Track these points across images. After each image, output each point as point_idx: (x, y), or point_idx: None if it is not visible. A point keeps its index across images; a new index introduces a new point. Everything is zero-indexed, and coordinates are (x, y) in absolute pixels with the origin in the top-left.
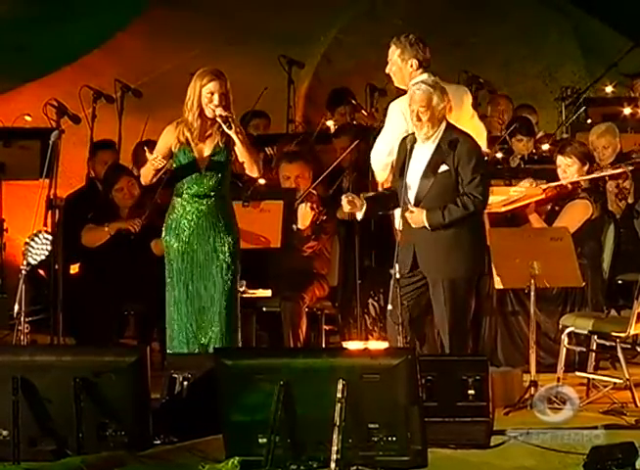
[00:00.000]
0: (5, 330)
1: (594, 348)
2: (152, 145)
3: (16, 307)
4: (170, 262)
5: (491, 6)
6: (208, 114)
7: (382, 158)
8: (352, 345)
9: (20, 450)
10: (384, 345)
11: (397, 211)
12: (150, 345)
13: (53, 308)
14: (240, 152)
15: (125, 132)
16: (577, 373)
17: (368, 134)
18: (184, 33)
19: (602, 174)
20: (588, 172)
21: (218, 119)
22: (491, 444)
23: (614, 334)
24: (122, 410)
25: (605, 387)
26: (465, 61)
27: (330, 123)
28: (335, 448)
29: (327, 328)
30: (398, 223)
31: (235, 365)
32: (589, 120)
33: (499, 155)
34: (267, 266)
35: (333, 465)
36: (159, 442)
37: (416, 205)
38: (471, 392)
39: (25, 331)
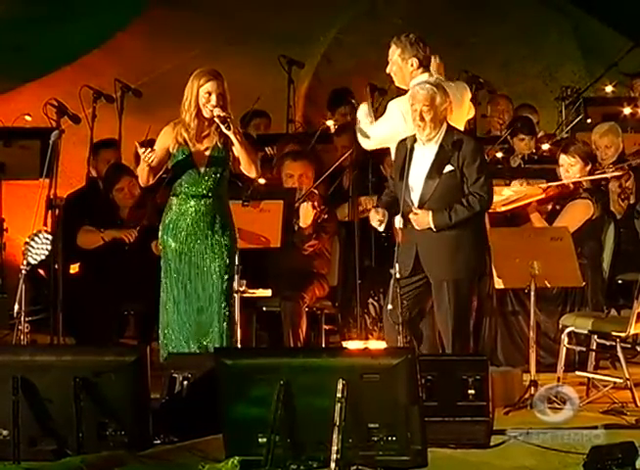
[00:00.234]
0: (5, 330)
1: (594, 347)
2: (153, 145)
3: (16, 307)
4: (168, 262)
5: (491, 6)
6: (206, 114)
7: (368, 142)
8: (352, 344)
9: (20, 450)
10: (383, 344)
11: None
12: (150, 345)
13: (53, 308)
14: (238, 152)
15: (125, 132)
16: (577, 373)
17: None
18: (184, 33)
19: (596, 177)
20: (590, 172)
21: (216, 120)
22: (491, 443)
23: (614, 334)
24: (122, 410)
25: (605, 386)
26: (465, 61)
27: (330, 123)
28: (335, 448)
29: (327, 328)
30: (398, 223)
31: (235, 365)
32: (589, 120)
33: (499, 155)
34: (267, 266)
35: (333, 465)
36: (158, 441)
37: (420, 206)
38: (471, 391)
39: (25, 331)
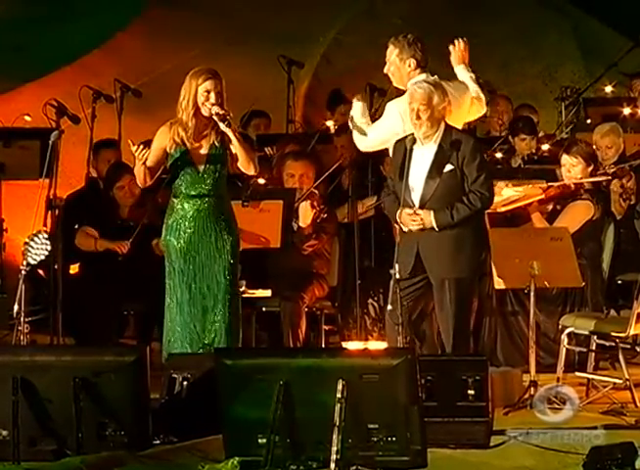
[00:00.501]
0: (5, 330)
1: (594, 348)
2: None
3: (15, 307)
4: (172, 263)
5: (491, 6)
6: (205, 112)
7: (362, 144)
8: (352, 345)
9: (19, 450)
10: (383, 345)
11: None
12: (150, 345)
13: (52, 308)
14: (236, 149)
15: (125, 132)
16: (577, 373)
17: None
18: (184, 33)
19: (596, 179)
20: (592, 173)
21: (215, 117)
22: (491, 444)
23: (613, 334)
24: (122, 410)
25: (604, 387)
26: None
27: (330, 123)
28: (334, 449)
29: (326, 328)
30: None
31: (235, 365)
32: (589, 121)
33: (499, 155)
34: (267, 266)
35: (332, 465)
36: (158, 442)
37: (421, 206)
38: (470, 392)
39: (25, 331)
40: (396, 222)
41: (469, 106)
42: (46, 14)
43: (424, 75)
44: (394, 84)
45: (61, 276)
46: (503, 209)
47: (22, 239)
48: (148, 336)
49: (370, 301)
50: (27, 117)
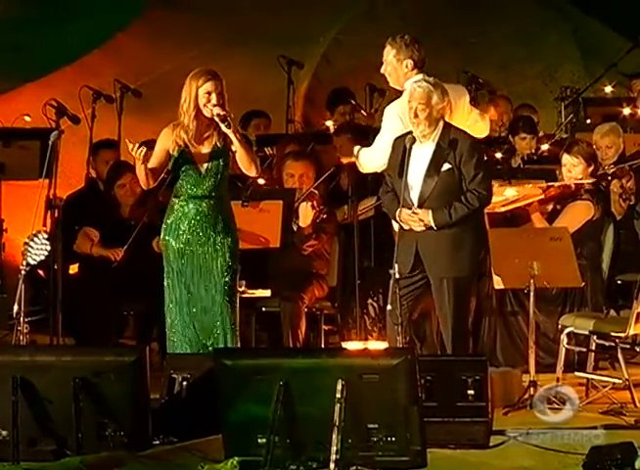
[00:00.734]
0: (5, 330)
1: (593, 348)
2: (152, 145)
3: (15, 307)
4: (170, 264)
5: (491, 6)
6: (206, 113)
7: (377, 162)
8: (352, 345)
9: (19, 450)
10: (383, 345)
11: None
12: (149, 345)
13: (52, 309)
14: (237, 151)
15: (125, 133)
16: (577, 373)
17: (367, 134)
18: (184, 34)
19: (585, 181)
20: (592, 174)
21: (216, 119)
22: (491, 444)
23: (613, 334)
24: (122, 410)
25: (604, 387)
26: (465, 61)
27: (329, 124)
28: (334, 449)
29: (326, 328)
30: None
31: (234, 365)
32: (588, 121)
33: (499, 155)
34: (267, 266)
35: (332, 465)
36: (158, 442)
37: (419, 205)
38: (470, 392)
39: (25, 331)
40: (395, 219)
41: (467, 113)
42: (46, 14)
43: (420, 76)
44: (391, 84)
45: (60, 276)
46: (503, 209)
47: (22, 239)
48: (147, 336)
49: (370, 301)
50: (27, 118)
